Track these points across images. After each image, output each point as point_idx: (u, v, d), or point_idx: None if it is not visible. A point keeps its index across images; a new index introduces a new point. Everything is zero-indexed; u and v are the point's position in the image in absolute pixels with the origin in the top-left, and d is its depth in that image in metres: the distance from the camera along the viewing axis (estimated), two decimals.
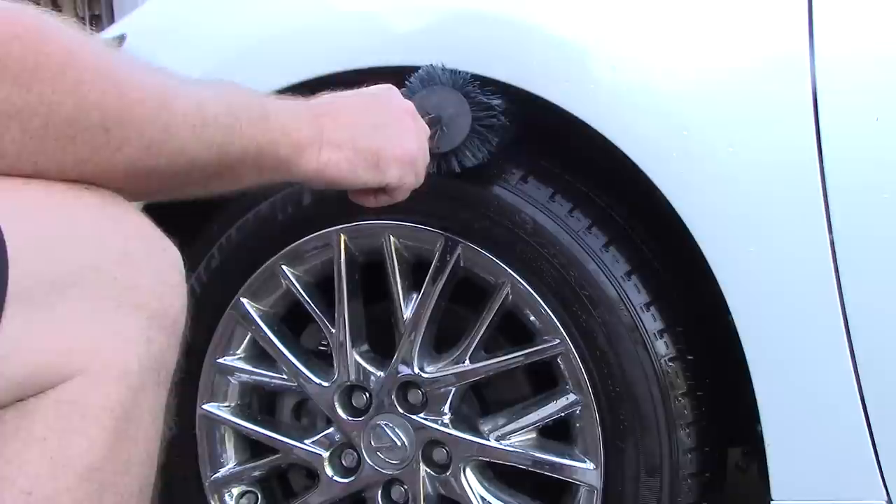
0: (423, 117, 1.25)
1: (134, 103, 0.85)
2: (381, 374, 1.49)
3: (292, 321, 1.60)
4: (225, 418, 1.61)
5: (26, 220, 0.82)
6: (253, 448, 1.64)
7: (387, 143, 1.12)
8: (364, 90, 1.20)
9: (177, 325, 0.89)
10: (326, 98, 1.13)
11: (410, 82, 1.34)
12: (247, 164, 0.97)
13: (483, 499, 1.46)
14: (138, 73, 0.87)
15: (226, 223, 1.55)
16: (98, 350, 0.84)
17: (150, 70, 0.90)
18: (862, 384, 1.22)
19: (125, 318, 0.85)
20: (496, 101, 1.33)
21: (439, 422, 1.46)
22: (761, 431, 1.27)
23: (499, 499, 1.46)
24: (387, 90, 1.20)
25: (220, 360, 1.59)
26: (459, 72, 1.33)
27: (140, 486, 0.88)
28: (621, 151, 1.28)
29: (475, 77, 1.33)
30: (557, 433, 1.44)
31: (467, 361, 1.44)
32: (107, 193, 0.87)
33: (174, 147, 0.88)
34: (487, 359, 1.44)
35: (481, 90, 1.33)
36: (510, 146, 1.37)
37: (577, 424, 1.40)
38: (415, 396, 1.48)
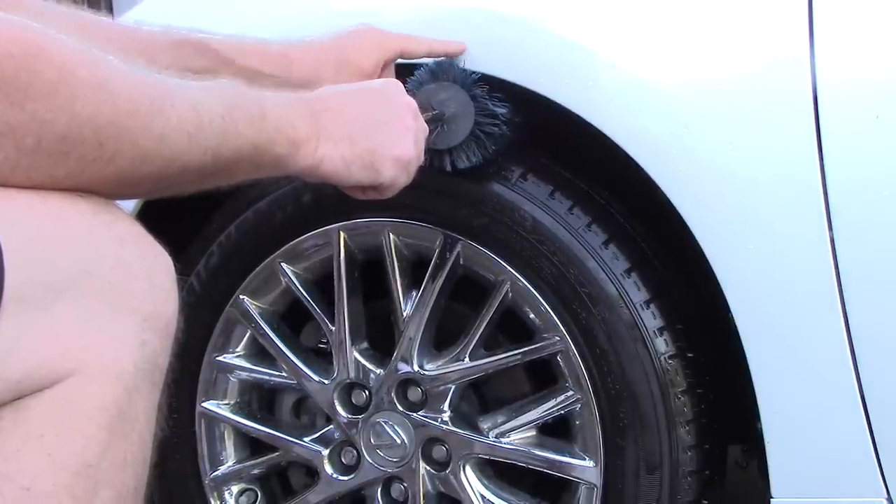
0: (425, 111, 1.25)
1: (129, 115, 0.85)
2: (380, 371, 1.49)
3: (292, 319, 1.60)
4: (224, 416, 1.61)
5: (22, 227, 0.83)
6: (253, 446, 1.64)
7: (384, 144, 1.12)
8: (368, 83, 1.19)
9: (170, 328, 0.90)
10: (328, 91, 1.12)
11: (420, 73, 1.33)
12: (242, 162, 0.97)
13: (483, 497, 1.46)
14: (134, 82, 0.87)
15: (225, 221, 1.55)
16: (93, 351, 0.85)
17: (145, 76, 0.89)
18: (862, 381, 1.23)
19: (120, 320, 0.86)
20: (501, 111, 1.32)
21: (439, 419, 1.46)
22: (761, 429, 1.28)
23: (498, 496, 1.46)
24: (390, 85, 1.19)
25: (220, 358, 1.59)
26: (470, 71, 1.33)
27: (135, 484, 0.89)
28: (621, 149, 1.28)
29: (482, 78, 1.33)
30: (557, 431, 1.44)
31: (467, 359, 1.44)
32: (100, 200, 0.88)
33: (169, 154, 0.89)
34: (487, 356, 1.44)
35: (489, 96, 1.32)
36: (509, 147, 1.37)
37: (577, 422, 1.40)
38: (414, 394, 1.48)
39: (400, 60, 1.37)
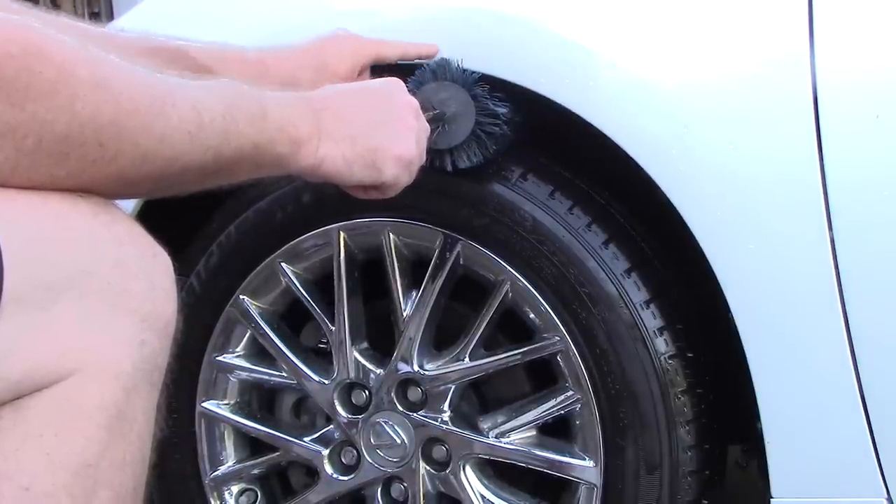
0: (426, 110, 1.25)
1: (129, 115, 0.85)
2: (380, 371, 1.49)
3: (292, 319, 1.60)
4: (224, 416, 1.61)
5: (22, 227, 0.83)
6: (253, 446, 1.64)
7: (385, 143, 1.12)
8: (369, 83, 1.19)
9: (169, 328, 0.90)
10: (329, 91, 1.12)
11: (421, 73, 1.33)
12: (243, 162, 0.97)
13: (483, 496, 1.46)
14: (134, 81, 0.87)
15: (225, 220, 1.55)
16: (92, 351, 0.85)
17: (146, 75, 0.89)
18: (862, 381, 1.22)
19: (119, 320, 0.86)
20: (502, 110, 1.32)
21: (439, 419, 1.46)
22: (761, 429, 1.27)
23: (498, 496, 1.46)
24: (391, 84, 1.18)
25: (220, 358, 1.59)
26: (471, 71, 1.33)
27: (134, 484, 0.89)
28: (621, 149, 1.28)
29: (483, 78, 1.33)
30: (557, 431, 1.44)
31: (467, 359, 1.44)
32: (100, 201, 0.88)
33: (170, 154, 0.89)
34: (487, 356, 1.44)
35: (490, 95, 1.32)
36: (510, 146, 1.37)
37: (577, 422, 1.40)
38: (414, 394, 1.48)
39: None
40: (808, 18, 1.21)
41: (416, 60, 1.37)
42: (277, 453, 1.60)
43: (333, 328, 1.50)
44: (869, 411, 1.23)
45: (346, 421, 1.51)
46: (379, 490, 1.52)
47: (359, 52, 1.35)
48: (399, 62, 1.38)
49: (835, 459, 1.27)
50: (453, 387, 1.45)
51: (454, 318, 1.48)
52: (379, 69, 1.38)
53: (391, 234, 1.46)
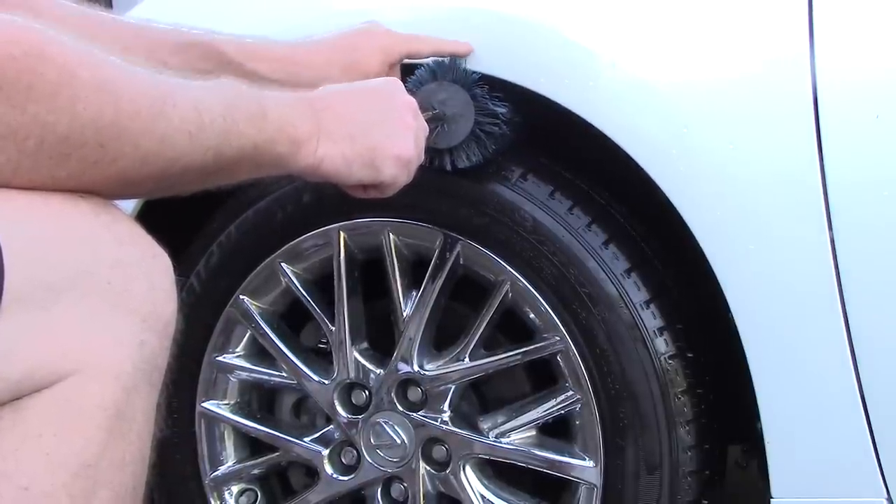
0: (425, 111, 1.25)
1: (130, 116, 0.85)
2: (380, 371, 1.49)
3: (292, 319, 1.60)
4: (224, 416, 1.61)
5: (23, 227, 0.83)
6: (252, 446, 1.64)
7: (384, 142, 1.12)
8: (367, 83, 1.19)
9: (168, 328, 0.91)
10: (328, 90, 1.12)
11: (420, 73, 1.33)
12: (244, 162, 0.97)
13: (483, 497, 1.46)
14: (135, 82, 0.87)
15: (225, 220, 1.55)
16: (92, 351, 0.85)
17: (147, 76, 0.89)
18: (862, 381, 1.23)
19: (119, 321, 0.86)
20: (501, 110, 1.32)
21: (439, 419, 1.46)
22: (761, 429, 1.28)
23: (498, 496, 1.46)
24: (390, 84, 1.19)
25: (220, 358, 1.59)
26: (471, 71, 1.33)
27: (134, 484, 0.89)
28: (622, 149, 1.28)
29: (483, 78, 1.33)
30: (557, 431, 1.44)
31: (467, 359, 1.43)
32: (100, 201, 0.88)
33: (171, 155, 0.89)
34: (487, 356, 1.44)
35: (489, 95, 1.32)
36: (510, 146, 1.37)
37: (577, 422, 1.40)
38: (414, 394, 1.48)
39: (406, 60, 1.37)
40: (808, 18, 1.21)
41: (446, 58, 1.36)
42: (277, 453, 1.60)
43: (333, 328, 1.50)
44: (869, 411, 1.23)
45: (346, 421, 1.51)
46: (379, 490, 1.52)
47: (390, 49, 1.34)
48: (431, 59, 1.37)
49: (835, 459, 1.27)
50: (453, 387, 1.45)
51: (454, 318, 1.48)
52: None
53: (391, 234, 1.46)
